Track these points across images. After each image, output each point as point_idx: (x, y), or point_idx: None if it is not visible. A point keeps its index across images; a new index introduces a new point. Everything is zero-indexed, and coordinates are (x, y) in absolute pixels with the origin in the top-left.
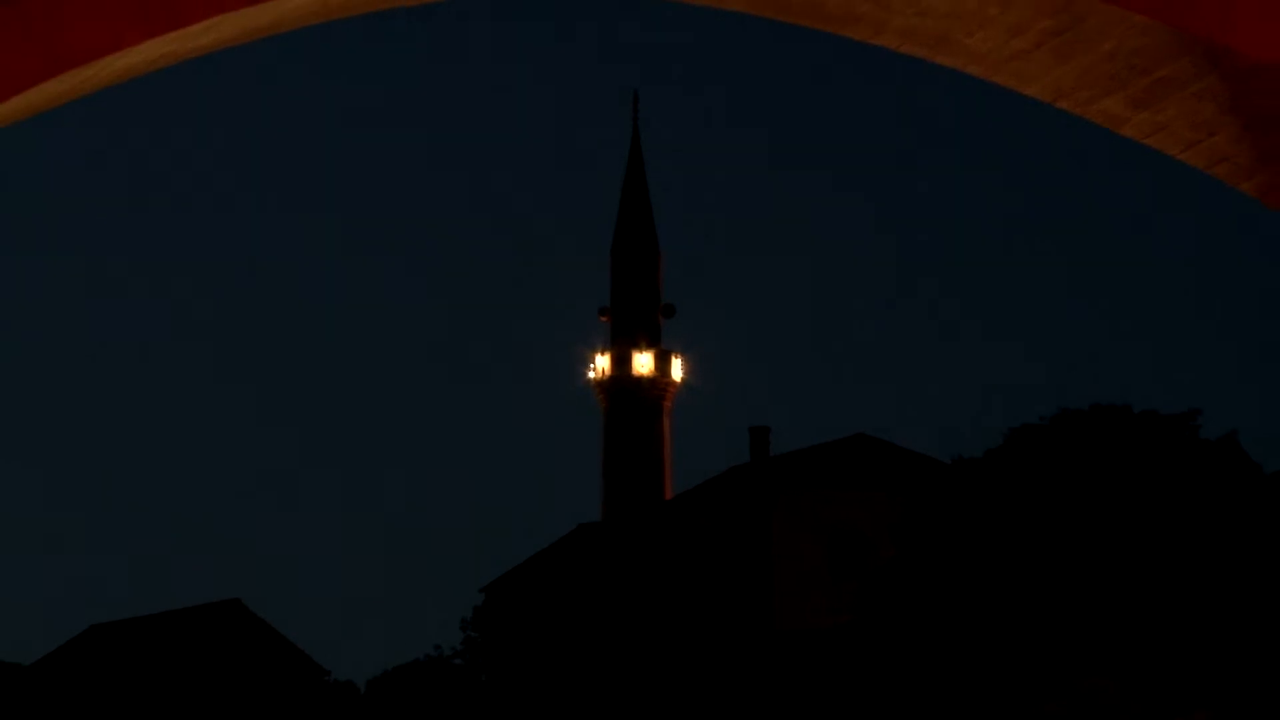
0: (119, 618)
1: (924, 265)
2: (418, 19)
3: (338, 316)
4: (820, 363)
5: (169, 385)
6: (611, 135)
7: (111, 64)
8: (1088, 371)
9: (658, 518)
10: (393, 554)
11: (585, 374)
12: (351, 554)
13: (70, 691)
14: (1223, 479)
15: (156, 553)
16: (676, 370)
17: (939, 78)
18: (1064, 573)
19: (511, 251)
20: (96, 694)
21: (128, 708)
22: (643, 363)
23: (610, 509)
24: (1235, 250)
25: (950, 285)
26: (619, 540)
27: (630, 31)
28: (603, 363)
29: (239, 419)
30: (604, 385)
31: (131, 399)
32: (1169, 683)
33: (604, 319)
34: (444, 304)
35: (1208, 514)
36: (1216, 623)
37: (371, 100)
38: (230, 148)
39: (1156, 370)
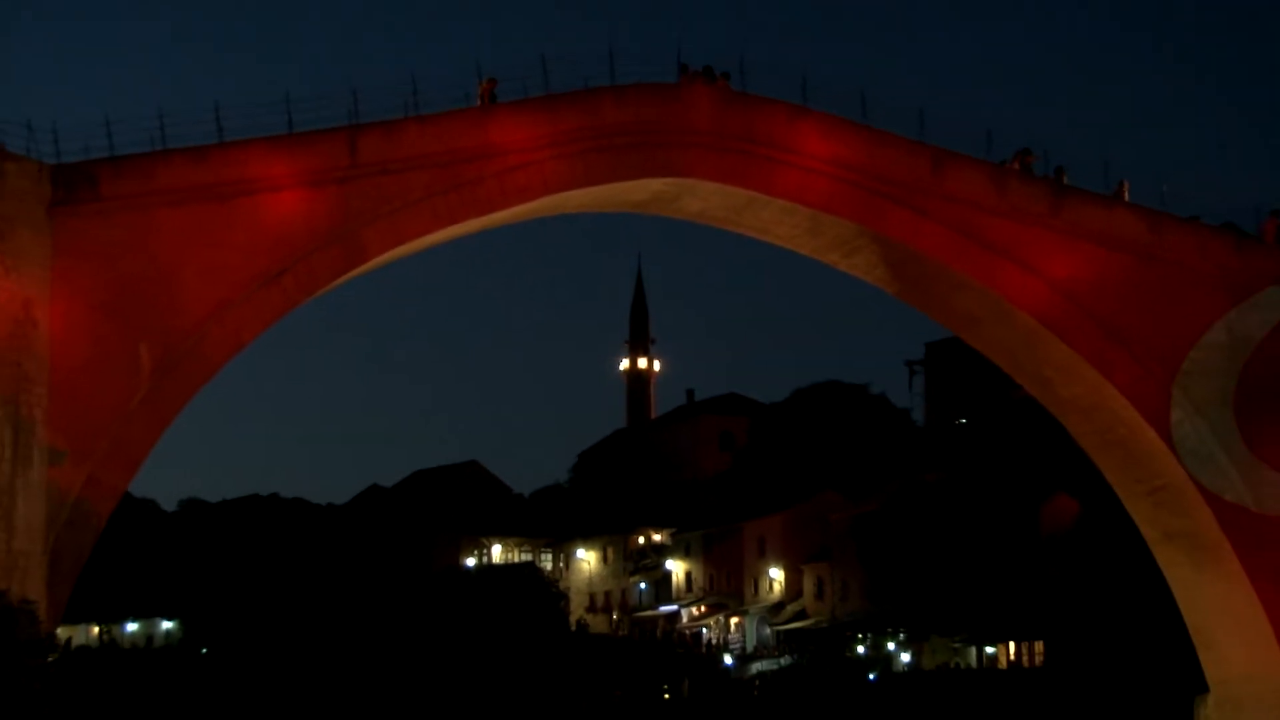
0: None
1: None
2: None
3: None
4: (716, 362)
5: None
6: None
7: (427, 239)
8: (834, 355)
9: (647, 427)
10: (542, 440)
11: (618, 368)
12: (522, 440)
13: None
14: (880, 415)
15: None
16: (657, 366)
17: None
18: (818, 452)
19: (586, 313)
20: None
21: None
22: (641, 364)
23: (630, 423)
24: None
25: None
26: (633, 437)
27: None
28: (625, 364)
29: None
30: (626, 373)
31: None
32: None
33: (626, 344)
34: (561, 342)
35: (873, 428)
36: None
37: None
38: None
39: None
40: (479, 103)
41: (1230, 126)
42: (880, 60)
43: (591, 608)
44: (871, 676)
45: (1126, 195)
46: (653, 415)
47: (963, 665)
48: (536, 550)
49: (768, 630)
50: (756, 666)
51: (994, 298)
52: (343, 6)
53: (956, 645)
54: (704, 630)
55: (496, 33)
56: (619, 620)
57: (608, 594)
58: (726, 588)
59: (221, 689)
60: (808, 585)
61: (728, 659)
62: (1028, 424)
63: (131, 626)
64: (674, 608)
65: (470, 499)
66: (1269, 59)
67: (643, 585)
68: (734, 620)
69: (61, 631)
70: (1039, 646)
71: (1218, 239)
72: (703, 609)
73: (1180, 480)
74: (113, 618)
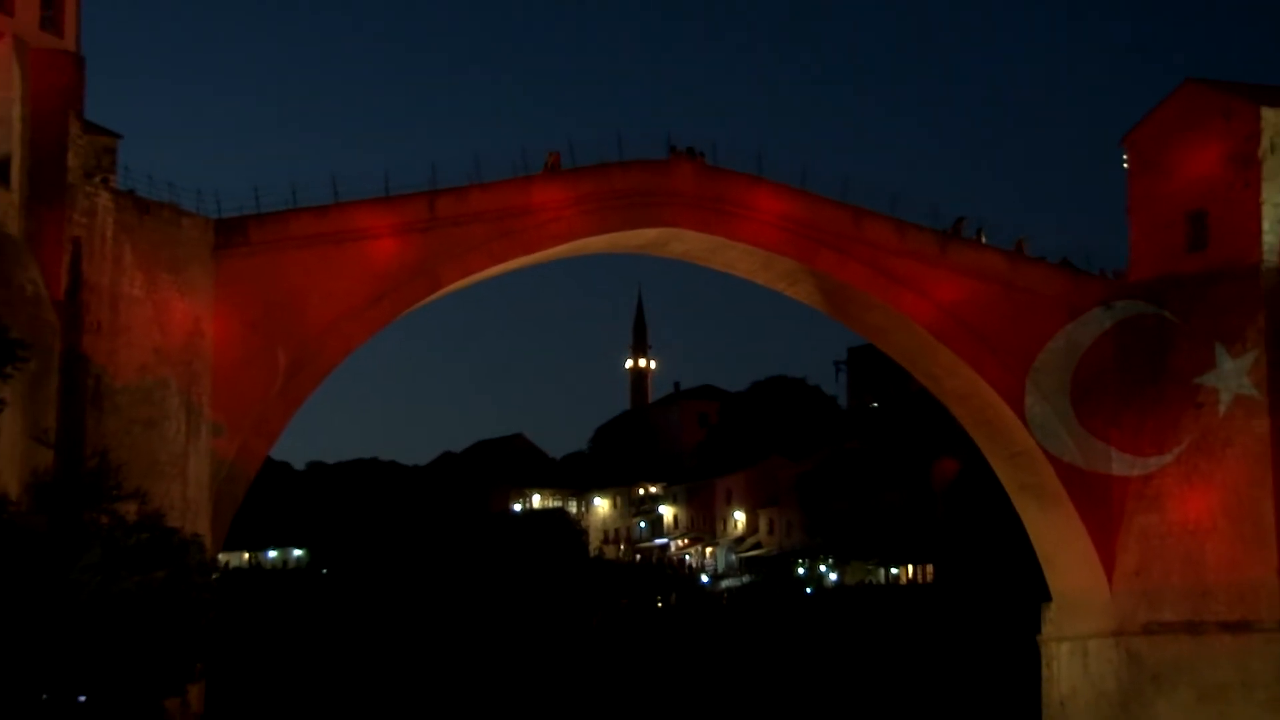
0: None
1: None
2: None
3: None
4: (695, 361)
5: None
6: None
7: (485, 273)
8: (781, 357)
9: (645, 410)
10: (569, 418)
11: (624, 365)
12: (554, 418)
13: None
14: (815, 400)
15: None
16: (653, 365)
17: None
18: (770, 427)
19: (602, 325)
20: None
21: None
22: (642, 364)
23: (633, 406)
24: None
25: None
26: (635, 417)
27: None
28: (629, 363)
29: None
30: (630, 370)
31: None
32: None
33: (630, 348)
34: (583, 346)
35: (809, 410)
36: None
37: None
38: None
39: (799, 356)
40: (546, 168)
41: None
42: (816, 140)
43: (606, 541)
44: (808, 590)
45: (1025, 248)
46: (649, 401)
47: (875, 581)
48: (565, 499)
49: (733, 557)
50: (725, 583)
51: (897, 315)
52: (424, 104)
53: (870, 567)
54: (686, 557)
55: (537, 122)
56: (625, 550)
57: (617, 530)
58: (703, 526)
59: (338, 599)
60: (762, 524)
61: (704, 578)
62: (922, 407)
63: (272, 553)
64: (665, 541)
65: (516, 461)
66: None
67: (642, 524)
68: (708, 550)
69: (221, 556)
70: (930, 568)
71: (1058, 273)
72: (685, 541)
73: (1031, 447)
74: (258, 547)
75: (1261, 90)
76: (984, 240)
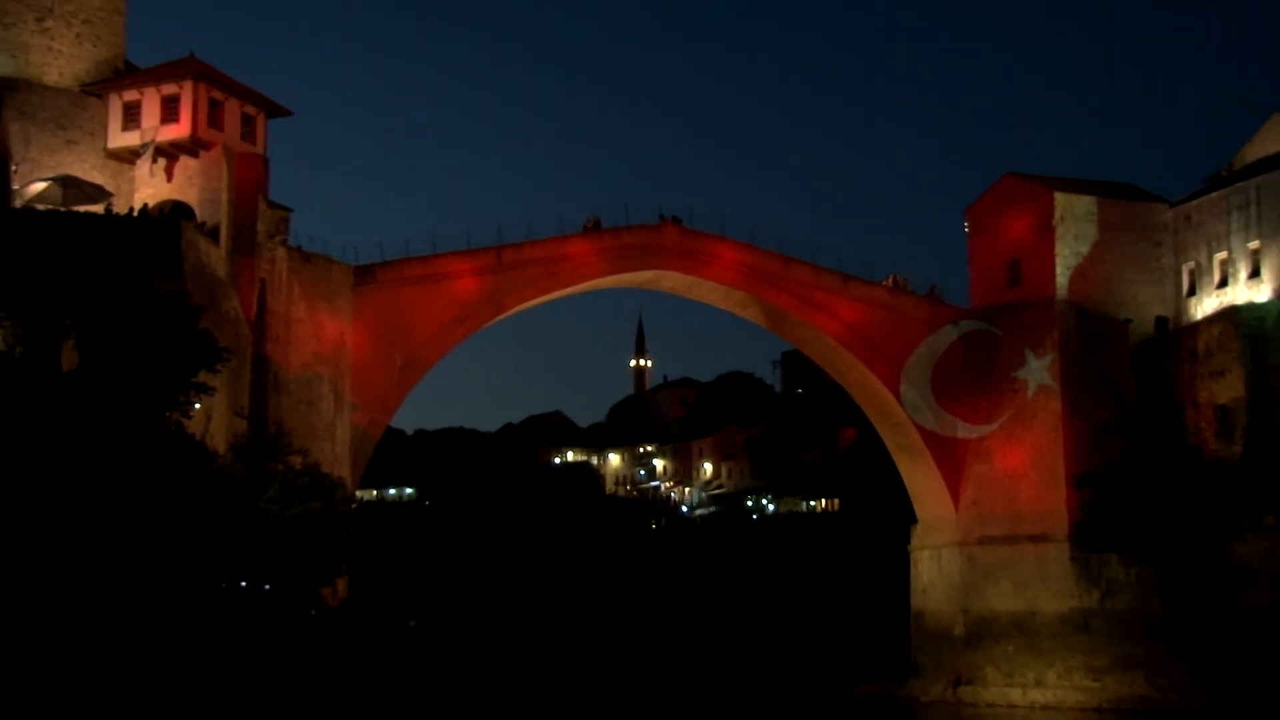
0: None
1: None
2: None
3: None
4: (680, 360)
5: None
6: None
7: (531, 303)
8: (738, 356)
9: (644, 395)
10: (592, 399)
11: (629, 364)
12: (582, 400)
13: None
14: (759, 388)
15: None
16: (650, 364)
17: None
18: (729, 406)
19: (615, 336)
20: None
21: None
22: (642, 363)
23: (635, 392)
24: None
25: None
26: (636, 400)
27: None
28: (633, 362)
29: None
30: (635, 369)
31: None
32: None
33: (633, 352)
34: (601, 350)
35: (755, 394)
36: None
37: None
38: None
39: (750, 356)
40: (587, 227)
41: None
42: (763, 203)
43: (617, 484)
44: (754, 517)
45: (936, 291)
46: (647, 388)
47: (799, 511)
48: (589, 455)
49: (703, 494)
50: (697, 512)
51: (815, 330)
52: (492, 182)
53: (796, 501)
54: (672, 495)
55: (572, 191)
56: (630, 490)
57: (625, 477)
58: (683, 473)
59: (437, 524)
60: (723, 472)
61: (684, 509)
62: (832, 392)
63: (391, 491)
64: (657, 483)
65: (555, 429)
66: None
67: (642, 472)
68: (687, 490)
69: (357, 493)
70: (837, 502)
71: (923, 301)
72: (671, 484)
73: (904, 419)
74: (382, 486)
75: (1056, 180)
76: (908, 287)
